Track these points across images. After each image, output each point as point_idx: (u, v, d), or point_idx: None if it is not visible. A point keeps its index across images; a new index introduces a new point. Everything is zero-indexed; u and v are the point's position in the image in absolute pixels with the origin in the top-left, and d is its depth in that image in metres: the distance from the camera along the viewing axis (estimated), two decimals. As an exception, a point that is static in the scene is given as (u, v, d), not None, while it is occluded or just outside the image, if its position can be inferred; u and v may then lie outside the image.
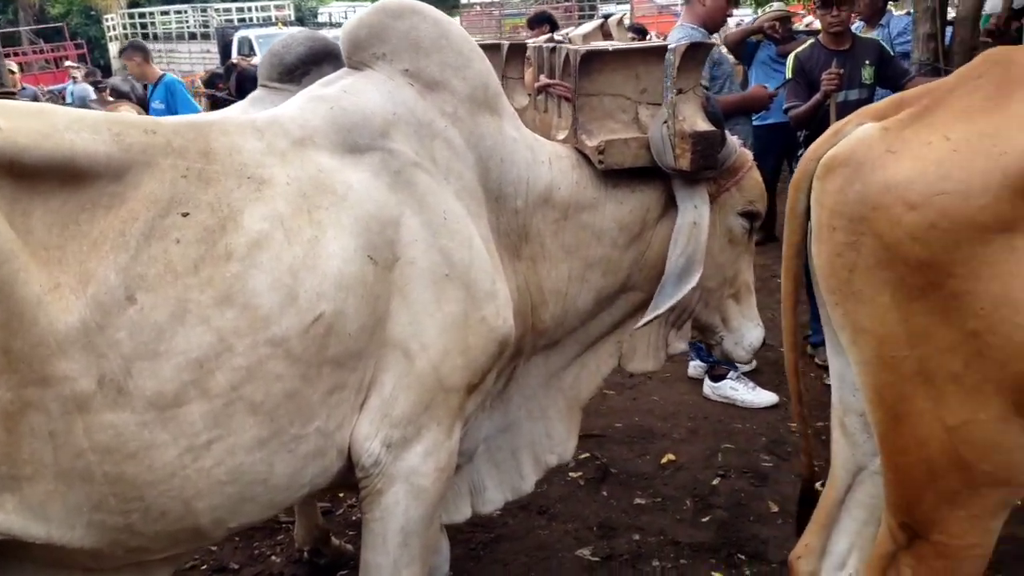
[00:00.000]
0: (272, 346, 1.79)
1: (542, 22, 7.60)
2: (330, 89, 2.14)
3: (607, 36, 6.13)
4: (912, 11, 5.88)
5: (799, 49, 4.80)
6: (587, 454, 4.14)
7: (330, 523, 3.54)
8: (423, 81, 2.13)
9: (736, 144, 2.47)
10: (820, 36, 4.79)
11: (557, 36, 5.88)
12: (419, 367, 1.99)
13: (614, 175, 2.39)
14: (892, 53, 4.82)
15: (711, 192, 2.44)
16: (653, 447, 4.19)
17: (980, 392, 1.61)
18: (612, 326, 2.57)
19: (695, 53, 2.30)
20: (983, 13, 6.61)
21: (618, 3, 26.87)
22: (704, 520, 3.53)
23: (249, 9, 25.88)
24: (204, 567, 3.34)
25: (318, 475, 1.97)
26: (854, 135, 1.73)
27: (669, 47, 2.34)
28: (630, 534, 3.45)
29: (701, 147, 2.25)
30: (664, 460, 4.05)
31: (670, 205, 2.44)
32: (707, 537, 3.41)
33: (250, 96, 3.05)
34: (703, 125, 2.27)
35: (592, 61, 2.38)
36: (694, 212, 2.35)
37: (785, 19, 6.31)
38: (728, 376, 4.63)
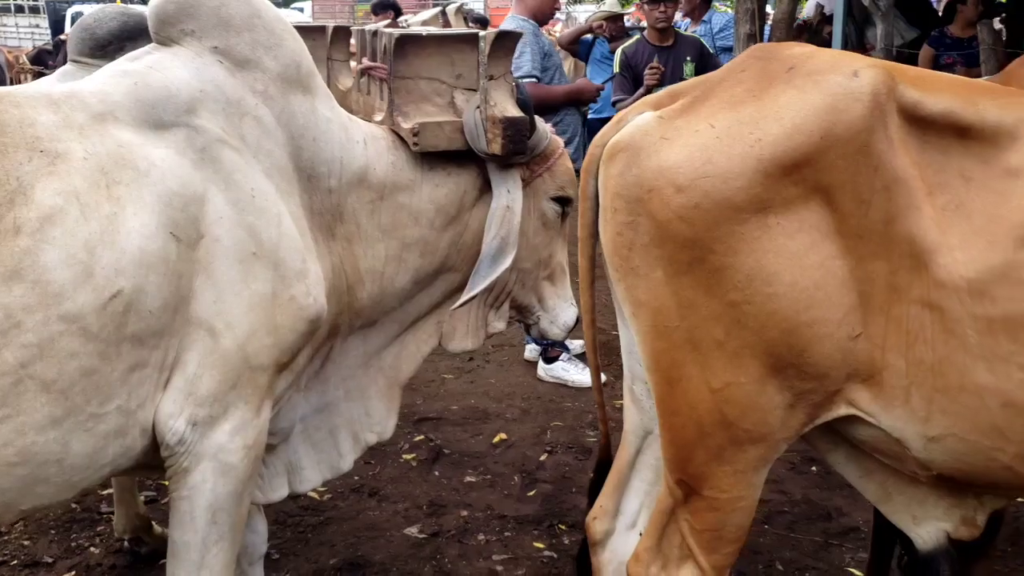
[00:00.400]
0: (66, 323, 1.76)
1: (386, 8, 7.58)
2: (135, 64, 2.11)
3: (447, 25, 6.18)
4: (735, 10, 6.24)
5: (625, 45, 5.02)
6: (422, 436, 4.22)
7: (155, 512, 3.47)
8: (233, 59, 2.13)
9: (547, 131, 2.58)
10: (645, 32, 5.03)
11: (401, 22, 5.91)
12: (224, 346, 2.00)
13: (431, 158, 2.46)
14: (712, 51, 5.12)
15: (524, 177, 2.55)
16: (487, 427, 4.32)
17: (740, 357, 1.78)
18: (431, 306, 2.63)
19: (504, 41, 2.39)
20: (799, 17, 7.10)
21: (474, -8, 26.98)
22: (530, 494, 3.68)
23: (85, -18, 24.38)
24: (15, 562, 3.20)
25: (120, 455, 1.94)
26: (634, 123, 1.86)
27: (480, 34, 2.42)
28: (458, 511, 3.55)
29: (511, 132, 2.34)
30: (496, 439, 4.18)
31: (486, 188, 2.52)
32: (531, 510, 3.55)
33: (59, 70, 2.94)
34: (513, 111, 2.37)
35: (407, 45, 2.43)
36: (507, 196, 2.45)
37: (617, 17, 6.56)
38: (560, 358, 4.81)
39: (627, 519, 2.18)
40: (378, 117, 2.55)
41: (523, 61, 4.56)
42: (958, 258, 1.68)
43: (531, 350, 5.05)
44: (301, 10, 29.56)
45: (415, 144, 2.39)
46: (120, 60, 2.18)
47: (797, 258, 1.72)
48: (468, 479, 3.82)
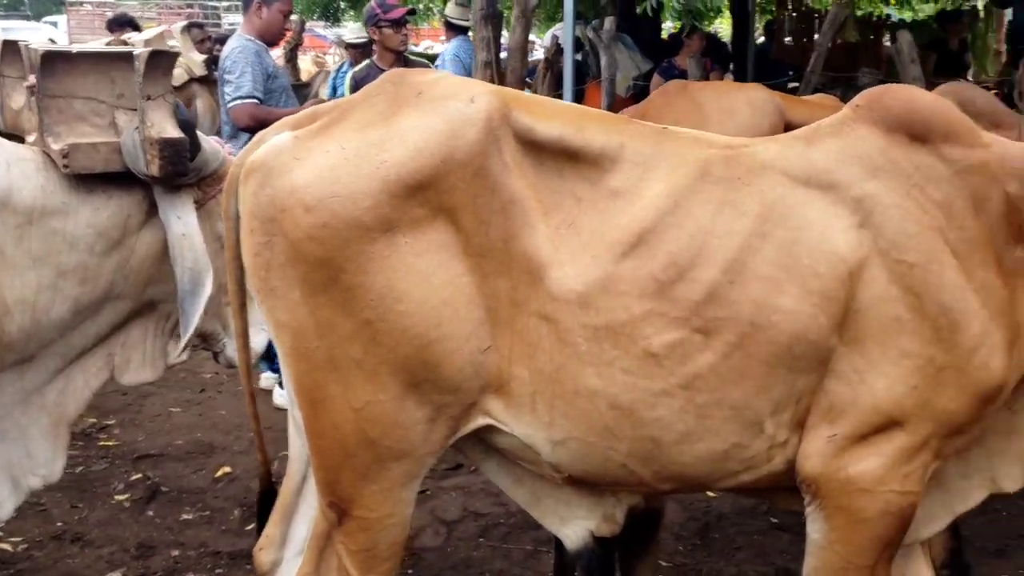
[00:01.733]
0: None
1: (123, 25, 7.20)
2: None
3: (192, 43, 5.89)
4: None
5: (356, 69, 5.04)
6: (139, 475, 3.99)
7: None
8: None
9: (219, 152, 2.52)
10: (375, 56, 5.08)
11: (127, 39, 5.59)
12: None
13: (89, 180, 2.33)
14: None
15: (197, 199, 2.47)
16: (211, 461, 4.15)
17: (378, 375, 1.80)
18: (99, 337, 2.48)
19: (161, 61, 2.32)
20: (541, 47, 7.42)
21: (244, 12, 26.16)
22: (248, 528, 3.54)
23: None
24: None
25: None
26: (270, 143, 1.85)
27: (134, 53, 2.33)
28: (169, 551, 3.38)
29: (169, 153, 2.27)
30: (219, 473, 4.02)
31: (154, 211, 2.43)
32: (248, 544, 3.40)
33: None
34: (172, 132, 2.30)
35: (56, 61, 2.30)
36: (179, 223, 2.36)
37: (365, 45, 6.56)
38: (297, 384, 4.70)
39: (295, 547, 2.15)
40: (31, 138, 2.39)
41: (244, 81, 4.44)
42: (568, 272, 1.79)
43: (267, 377, 4.91)
44: (55, 24, 27.45)
45: (66, 166, 2.26)
46: None
47: (426, 276, 1.77)
48: (184, 517, 3.65)
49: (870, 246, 1.80)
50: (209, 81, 5.70)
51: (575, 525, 2.05)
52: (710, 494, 3.68)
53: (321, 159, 1.78)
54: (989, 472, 2.05)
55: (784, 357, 1.80)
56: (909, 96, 1.93)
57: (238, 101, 4.37)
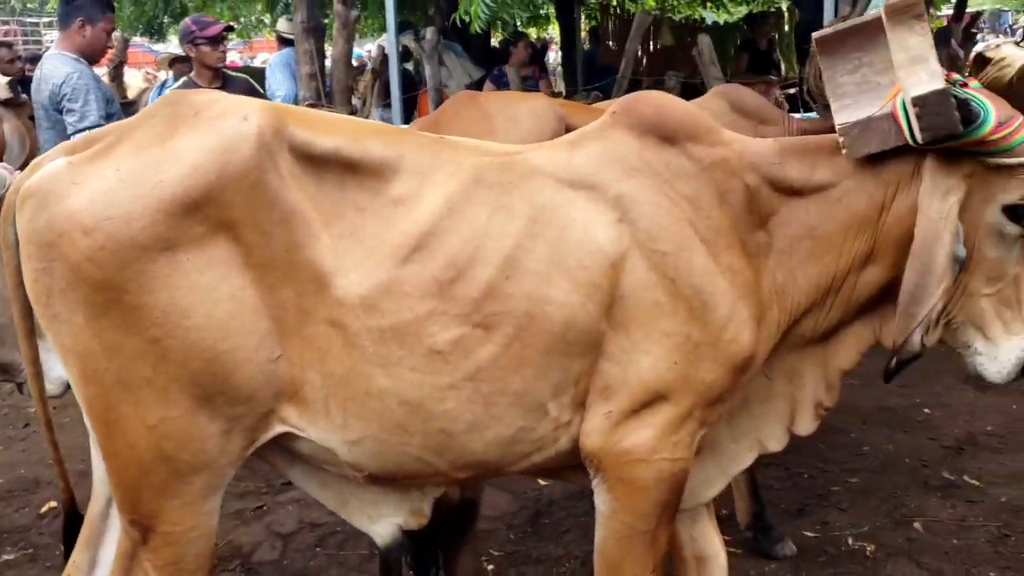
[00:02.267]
0: None
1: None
2: None
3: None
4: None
5: (175, 85, 4.96)
6: (-46, 519, 3.80)
7: None
8: None
9: (8, 178, 2.47)
10: (192, 73, 5.01)
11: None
12: None
13: None
14: (262, 90, 5.22)
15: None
16: (36, 498, 4.01)
17: (169, 391, 1.83)
18: None
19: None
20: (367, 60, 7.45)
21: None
22: (76, 562, 3.45)
23: None
24: None
25: None
26: (45, 169, 1.84)
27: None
28: (-13, 595, 3.25)
29: (-53, 182, 2.21)
30: (45, 509, 3.89)
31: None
32: None
33: None
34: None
35: None
36: None
37: (184, 59, 6.43)
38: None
39: (105, 570, 2.13)
40: None
41: (88, 111, 4.24)
42: (353, 279, 1.87)
43: (95, 407, 4.75)
44: None
45: None
46: None
47: (209, 291, 1.81)
48: (5, 557, 3.52)
49: (629, 239, 1.97)
50: (15, 104, 5.44)
51: (383, 522, 2.13)
52: (541, 482, 3.85)
53: (97, 182, 1.79)
54: (755, 434, 2.27)
55: (559, 344, 1.95)
56: (659, 102, 2.12)
57: (86, 133, 4.16)
